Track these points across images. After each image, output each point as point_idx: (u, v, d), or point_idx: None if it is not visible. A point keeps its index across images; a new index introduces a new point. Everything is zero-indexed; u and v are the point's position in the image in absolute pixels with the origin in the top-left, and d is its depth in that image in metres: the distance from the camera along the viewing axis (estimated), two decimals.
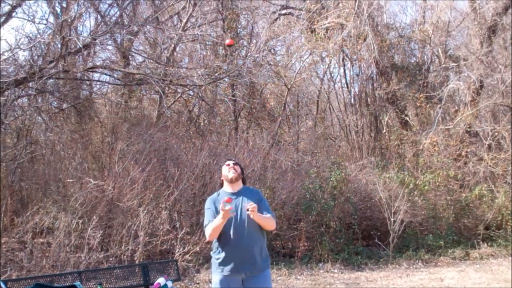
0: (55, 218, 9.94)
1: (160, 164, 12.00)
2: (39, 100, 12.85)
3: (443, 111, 17.44)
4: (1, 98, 11.04)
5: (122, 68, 13.58)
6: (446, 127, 16.73)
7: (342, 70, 19.87)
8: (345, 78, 19.83)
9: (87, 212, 10.30)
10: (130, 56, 14.98)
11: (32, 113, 12.42)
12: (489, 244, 14.06)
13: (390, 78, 17.80)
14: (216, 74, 13.63)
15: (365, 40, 16.50)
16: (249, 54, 15.06)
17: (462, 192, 15.05)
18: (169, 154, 12.38)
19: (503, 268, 12.11)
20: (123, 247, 10.08)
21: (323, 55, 18.41)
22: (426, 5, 19.22)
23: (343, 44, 17.21)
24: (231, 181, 5.13)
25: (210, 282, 9.74)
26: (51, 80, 12.29)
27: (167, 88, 14.17)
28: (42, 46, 11.77)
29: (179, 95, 15.80)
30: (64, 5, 12.42)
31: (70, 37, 11.48)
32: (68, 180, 11.35)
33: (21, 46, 11.09)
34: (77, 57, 13.14)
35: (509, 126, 16.56)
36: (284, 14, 18.44)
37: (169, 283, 7.21)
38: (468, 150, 16.38)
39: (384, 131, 17.90)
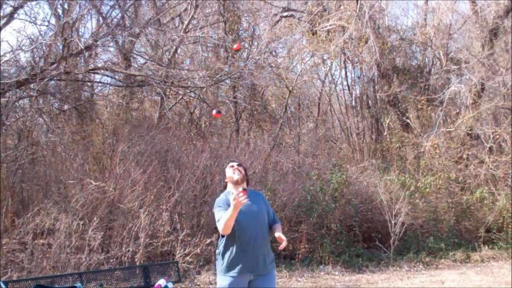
0: (56, 219, 9.93)
1: (161, 166, 11.99)
2: (41, 102, 12.85)
3: (444, 113, 17.43)
4: (3, 99, 11.06)
5: (124, 70, 13.59)
6: (447, 129, 16.72)
7: (343, 72, 19.95)
8: (347, 80, 19.92)
9: (88, 213, 10.29)
10: (131, 58, 15.00)
11: (34, 115, 12.42)
12: (490, 246, 14.05)
13: (392, 80, 17.81)
14: (218, 76, 13.64)
15: (366, 42, 16.51)
16: (250, 56, 15.08)
17: (463, 195, 15.04)
18: (170, 156, 12.38)
19: (504, 270, 12.10)
20: (123, 249, 10.07)
21: (325, 57, 18.45)
22: (428, 7, 19.25)
23: (344, 46, 17.21)
24: (237, 183, 5.09)
25: (211, 283, 9.78)
26: (52, 82, 12.31)
27: (168, 90, 14.17)
28: (44, 48, 11.80)
29: (180, 97, 15.81)
30: (66, 6, 12.43)
31: (71, 39, 11.51)
32: (69, 182, 11.35)
33: (23, 48, 11.11)
34: (78, 58, 13.15)
35: (510, 129, 16.55)
36: (286, 16, 18.45)
37: (170, 285, 7.20)
38: (469, 152, 16.38)
39: (385, 133, 17.91)
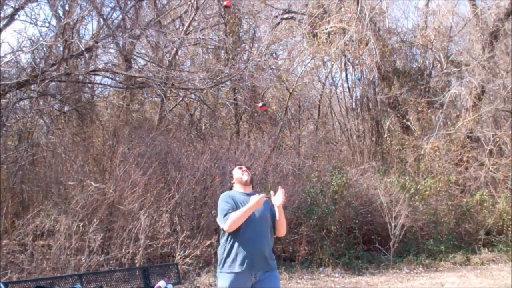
0: (56, 221, 9.94)
1: (161, 168, 12.00)
2: (41, 103, 12.87)
3: (445, 116, 17.44)
4: (3, 100, 11.07)
5: (124, 71, 13.60)
6: (447, 132, 16.72)
7: (343, 74, 19.97)
8: (347, 83, 19.94)
9: (88, 215, 10.30)
10: (132, 59, 15.00)
11: (34, 116, 12.44)
12: (489, 249, 14.05)
13: (392, 83, 17.82)
14: (218, 78, 13.66)
15: (367, 44, 16.52)
16: (251, 58, 15.08)
17: (463, 197, 15.04)
18: (170, 158, 12.39)
19: (503, 273, 12.10)
20: (123, 250, 10.08)
21: (325, 60, 18.44)
22: (428, 10, 19.29)
23: (345, 48, 17.22)
24: (245, 184, 5.19)
25: (211, 285, 9.78)
26: (53, 83, 12.32)
27: (168, 92, 14.19)
28: (44, 49, 11.81)
29: (180, 98, 15.82)
30: (67, 8, 12.45)
31: (72, 40, 11.51)
32: (69, 183, 11.34)
33: (23, 49, 11.11)
34: (79, 60, 13.16)
35: (511, 132, 16.56)
36: (286, 19, 18.47)
37: (170, 286, 7.20)
38: (469, 155, 16.38)
39: (386, 135, 17.91)
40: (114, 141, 12.46)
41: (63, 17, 12.20)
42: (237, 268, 4.80)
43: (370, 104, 19.18)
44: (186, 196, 11.71)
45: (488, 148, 16.23)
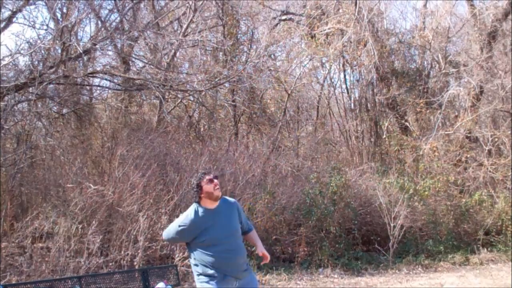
0: (55, 223, 9.93)
1: (160, 169, 12.00)
2: (39, 105, 12.86)
3: (443, 116, 17.45)
4: (1, 103, 11.05)
5: (122, 74, 13.60)
6: (446, 132, 16.73)
7: (342, 75, 19.96)
8: (345, 84, 19.92)
9: (87, 217, 10.29)
10: (130, 62, 15.00)
11: (32, 118, 12.43)
12: (489, 249, 14.05)
13: (390, 83, 17.83)
14: (216, 80, 13.66)
15: (365, 45, 16.53)
16: (249, 59, 15.09)
17: (462, 198, 15.05)
18: (169, 159, 12.38)
19: (503, 273, 12.10)
20: (122, 252, 10.07)
21: (323, 61, 18.45)
22: (426, 11, 19.30)
23: (343, 49, 17.24)
24: (216, 200, 4.85)
25: None
26: (51, 85, 12.31)
27: (167, 94, 14.19)
28: (43, 52, 11.81)
29: (179, 100, 15.82)
30: (65, 10, 12.46)
31: (70, 43, 11.51)
32: (68, 185, 11.33)
33: (22, 51, 11.11)
34: (77, 62, 13.17)
35: (509, 132, 16.57)
36: (284, 20, 18.49)
37: None
38: (468, 155, 16.38)
39: (384, 136, 17.92)
40: (113, 143, 12.45)
41: (61, 19, 12.21)
42: (215, 280, 4.71)
43: (368, 105, 19.18)
44: (185, 198, 11.68)
45: (487, 148, 16.24)
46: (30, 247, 9.64)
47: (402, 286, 10.83)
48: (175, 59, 15.27)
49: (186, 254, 10.42)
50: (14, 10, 11.33)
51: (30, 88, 11.30)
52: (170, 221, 11.11)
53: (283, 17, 18.37)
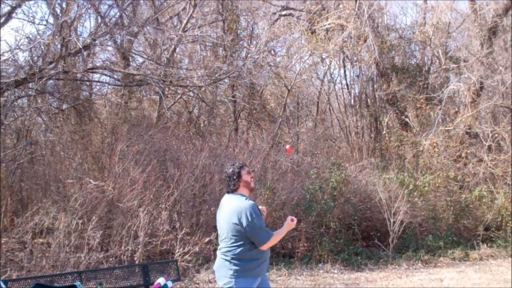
0: (55, 219, 9.95)
1: (160, 165, 12.01)
2: (39, 101, 12.86)
3: (443, 112, 17.43)
4: (1, 98, 11.06)
5: (122, 69, 13.60)
6: (446, 128, 16.73)
7: (342, 71, 19.92)
8: (345, 79, 19.89)
9: (87, 212, 10.30)
10: (130, 57, 14.99)
11: (32, 114, 12.42)
12: (488, 245, 14.05)
13: (390, 79, 17.81)
14: (216, 75, 13.65)
15: (365, 41, 16.50)
16: (249, 55, 15.08)
17: (462, 193, 15.04)
18: (169, 155, 12.39)
19: (502, 268, 12.11)
20: (123, 247, 10.08)
21: (323, 56, 18.43)
22: (427, 6, 19.26)
23: (343, 45, 17.20)
24: (252, 190, 5.22)
25: (210, 282, 9.80)
26: (51, 81, 12.31)
27: (167, 89, 14.18)
28: (42, 47, 11.80)
29: (179, 96, 15.81)
30: (64, 6, 12.43)
31: (70, 38, 11.51)
32: (68, 181, 11.35)
33: (21, 47, 11.11)
34: (77, 58, 13.15)
35: (509, 128, 16.56)
36: (284, 15, 18.44)
37: (169, 283, 7.22)
38: (468, 151, 16.38)
39: (384, 132, 17.90)
40: (113, 139, 12.45)
41: (60, 15, 12.19)
42: (255, 274, 5.02)
43: (368, 101, 19.17)
44: (185, 193, 11.71)
45: (487, 144, 16.23)
46: (30, 242, 9.65)
47: (402, 281, 10.84)
48: (175, 54, 15.26)
49: (186, 249, 10.44)
50: (14, 5, 11.32)
51: (30, 84, 11.30)
52: (170, 216, 11.14)
53: (283, 13, 18.32)
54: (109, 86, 14.73)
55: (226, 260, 4.96)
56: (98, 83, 14.50)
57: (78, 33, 13.50)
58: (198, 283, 9.99)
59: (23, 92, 11.89)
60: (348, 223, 13.19)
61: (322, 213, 12.58)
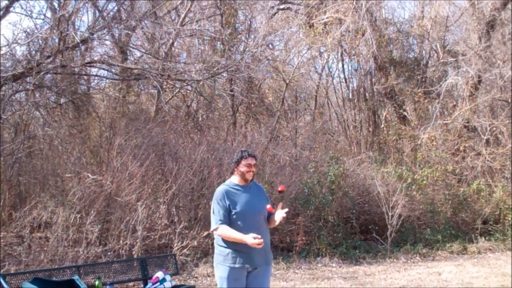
0: (53, 213, 9.93)
1: (158, 159, 12.01)
2: (37, 95, 12.83)
3: (441, 106, 17.45)
4: None
5: (120, 63, 13.57)
6: (444, 122, 16.75)
7: (340, 65, 19.88)
8: (344, 73, 19.86)
9: (85, 206, 10.30)
10: (128, 51, 14.97)
11: (30, 108, 12.40)
12: (486, 238, 14.09)
13: (389, 73, 17.80)
14: (214, 69, 13.62)
15: (363, 35, 16.49)
16: (247, 49, 15.06)
17: (460, 187, 15.07)
18: (167, 149, 12.39)
19: (500, 262, 12.15)
20: (121, 242, 10.10)
21: (322, 50, 18.40)
22: (425, 0, 19.22)
23: (341, 39, 17.18)
24: (245, 181, 5.10)
25: (209, 276, 9.80)
26: (48, 75, 12.27)
27: (165, 83, 14.16)
28: (40, 41, 11.75)
29: (177, 90, 15.78)
30: (62, 0, 12.39)
31: (67, 32, 11.48)
32: (66, 175, 11.35)
33: (19, 41, 11.08)
34: (74, 52, 13.10)
35: (507, 121, 16.57)
36: (283, 9, 18.40)
37: (168, 277, 7.22)
38: (466, 145, 16.39)
39: (382, 126, 17.91)
40: (111, 133, 12.46)
41: (58, 9, 12.17)
42: (237, 263, 4.89)
43: (366, 95, 19.16)
44: (183, 188, 11.71)
45: (485, 138, 16.24)
46: (28, 236, 9.65)
47: (400, 275, 10.86)
48: (173, 48, 15.22)
49: (184, 243, 10.46)
50: None
51: (28, 78, 11.28)
52: (168, 210, 11.16)
53: (281, 6, 18.28)
54: (107, 80, 14.71)
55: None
56: (96, 77, 14.47)
57: (76, 27, 13.49)
58: (196, 277, 10.01)
59: (21, 86, 11.86)
60: (346, 216, 13.22)
61: (320, 207, 12.60)
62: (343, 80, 19.87)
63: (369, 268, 11.53)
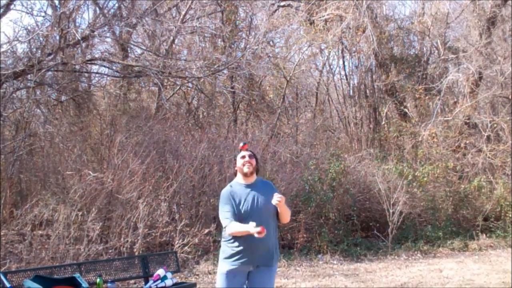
0: (54, 210, 9.93)
1: (159, 156, 12.01)
2: (38, 93, 12.84)
3: (442, 102, 17.45)
4: (0, 90, 11.04)
5: (121, 60, 13.56)
6: (445, 118, 16.74)
7: (341, 62, 19.90)
8: (344, 70, 19.87)
9: (86, 204, 10.30)
10: (128, 48, 14.95)
11: (31, 106, 12.40)
12: (487, 235, 14.10)
13: (389, 70, 17.80)
14: (215, 66, 13.62)
15: (364, 32, 16.48)
16: (248, 46, 15.05)
17: (461, 184, 15.08)
18: (168, 146, 12.39)
19: (501, 259, 12.15)
20: (122, 239, 10.09)
21: (322, 47, 18.40)
22: None
23: (342, 36, 17.18)
24: (246, 175, 4.99)
25: (210, 273, 9.81)
26: (49, 73, 12.29)
27: (166, 80, 14.16)
28: (41, 39, 11.76)
29: (178, 87, 15.79)
30: None
31: (68, 29, 11.48)
32: (67, 172, 11.34)
33: (20, 39, 11.08)
34: (75, 49, 13.11)
35: (508, 118, 16.57)
36: (283, 6, 18.40)
37: (169, 275, 7.23)
38: (467, 141, 16.40)
39: (383, 122, 17.92)
40: (112, 130, 12.45)
41: (59, 6, 12.14)
42: (237, 263, 4.82)
43: (367, 92, 19.15)
44: (184, 185, 11.71)
45: (486, 135, 16.23)
46: (29, 234, 9.64)
47: (401, 272, 10.86)
48: (174, 45, 15.23)
49: (185, 240, 10.46)
50: None
51: (29, 75, 11.28)
52: (169, 208, 11.16)
53: (282, 3, 18.28)
54: (108, 78, 14.69)
55: None
56: (97, 75, 14.47)
57: (77, 24, 13.48)
58: (197, 274, 10.01)
59: (21, 84, 11.86)
60: (347, 214, 13.23)
61: (321, 204, 12.60)
62: (344, 77, 19.89)
63: (370, 265, 11.53)
